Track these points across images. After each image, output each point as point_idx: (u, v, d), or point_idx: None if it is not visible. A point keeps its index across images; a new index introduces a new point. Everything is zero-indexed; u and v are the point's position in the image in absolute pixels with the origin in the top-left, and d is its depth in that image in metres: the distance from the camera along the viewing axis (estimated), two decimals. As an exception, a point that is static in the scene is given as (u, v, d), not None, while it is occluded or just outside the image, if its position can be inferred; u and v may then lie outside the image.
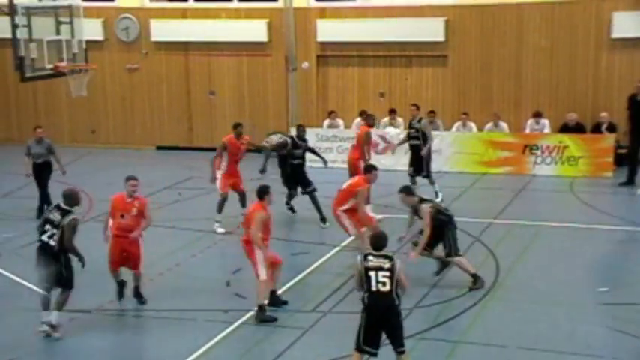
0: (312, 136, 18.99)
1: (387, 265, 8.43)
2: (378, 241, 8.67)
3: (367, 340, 8.43)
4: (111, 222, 10.76)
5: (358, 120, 19.03)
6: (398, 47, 19.42)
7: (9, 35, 14.95)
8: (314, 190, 14.87)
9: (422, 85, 19.44)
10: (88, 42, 16.10)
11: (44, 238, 9.85)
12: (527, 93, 19.12)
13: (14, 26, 14.62)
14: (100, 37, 20.30)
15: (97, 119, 21.26)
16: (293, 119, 19.76)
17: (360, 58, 19.87)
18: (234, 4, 20.35)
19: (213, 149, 20.57)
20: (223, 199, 14.03)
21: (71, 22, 15.62)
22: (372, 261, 8.47)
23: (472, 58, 19.19)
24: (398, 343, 8.50)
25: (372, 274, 8.39)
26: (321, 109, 20.08)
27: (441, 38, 19.03)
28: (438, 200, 14.77)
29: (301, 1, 19.69)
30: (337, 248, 13.31)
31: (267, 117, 20.41)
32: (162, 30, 20.43)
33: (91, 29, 18.29)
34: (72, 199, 10.01)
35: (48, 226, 9.86)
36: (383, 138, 18.67)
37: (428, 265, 11.84)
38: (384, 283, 8.34)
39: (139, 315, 10.86)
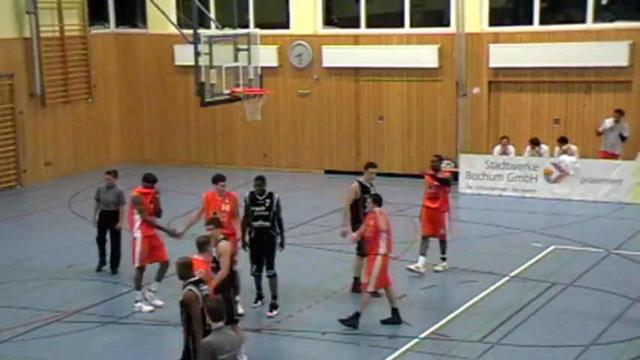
0: (481, 163, 18.67)
1: None
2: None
3: None
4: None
5: (529, 148, 18.44)
6: (576, 72, 18.67)
7: (192, 62, 15.70)
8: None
9: (602, 111, 18.48)
10: (263, 68, 16.58)
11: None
12: None
13: (197, 54, 15.31)
14: (274, 64, 20.92)
15: (268, 143, 21.86)
16: (462, 145, 19.44)
17: (535, 84, 19.27)
18: (406, 30, 20.36)
19: (379, 174, 20.74)
20: None
21: (248, 50, 16.16)
22: None
23: (660, 83, 18.11)
24: None
25: None
26: (492, 136, 19.63)
27: (625, 63, 18.11)
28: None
29: (474, 26, 19.40)
30: (506, 278, 12.88)
31: (436, 143, 20.18)
32: (334, 56, 20.75)
33: (267, 56, 18.87)
34: (180, 270, 8.69)
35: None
36: (557, 166, 17.96)
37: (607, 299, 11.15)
38: None
39: (303, 336, 10.94)
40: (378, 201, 11.30)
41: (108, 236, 13.61)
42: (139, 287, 11.85)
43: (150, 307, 11.69)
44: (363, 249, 11.68)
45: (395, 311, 11.10)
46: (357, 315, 10.99)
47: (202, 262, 9.19)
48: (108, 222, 13.52)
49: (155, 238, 11.93)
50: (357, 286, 12.04)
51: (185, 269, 8.63)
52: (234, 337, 7.51)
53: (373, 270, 10.88)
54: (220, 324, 7.24)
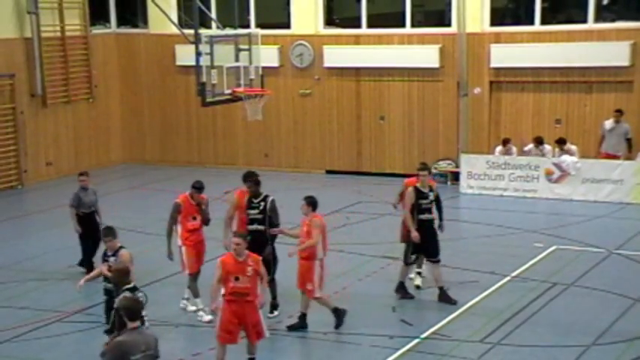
0: (482, 163, 18.65)
1: None
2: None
3: None
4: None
5: (531, 146, 18.44)
6: (577, 72, 18.66)
7: (193, 62, 15.69)
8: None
9: (603, 112, 18.47)
10: (264, 68, 16.57)
11: None
12: None
13: (198, 54, 15.30)
14: (275, 64, 20.91)
15: (269, 143, 21.86)
16: (463, 145, 19.43)
17: (536, 84, 19.25)
18: (407, 30, 20.35)
19: (381, 174, 20.91)
20: None
21: (249, 50, 16.15)
22: None
23: (662, 83, 18.09)
24: None
25: None
26: (493, 136, 19.62)
27: (626, 63, 18.10)
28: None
29: (475, 27, 19.39)
30: (507, 278, 12.86)
31: (437, 143, 20.18)
32: (335, 56, 20.74)
33: (268, 56, 18.86)
34: (116, 276, 8.72)
35: None
36: (558, 166, 17.94)
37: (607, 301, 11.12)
38: None
39: (305, 337, 10.93)
40: (312, 204, 10.78)
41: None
42: (196, 295, 11.44)
43: (210, 317, 10.95)
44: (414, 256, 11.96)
45: (303, 316, 10.98)
46: (337, 313, 10.92)
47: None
48: (88, 223, 13.34)
49: (202, 244, 11.56)
50: (399, 290, 12.08)
51: (121, 276, 8.55)
52: (151, 336, 7.28)
53: (314, 276, 10.73)
54: (136, 323, 7.14)
